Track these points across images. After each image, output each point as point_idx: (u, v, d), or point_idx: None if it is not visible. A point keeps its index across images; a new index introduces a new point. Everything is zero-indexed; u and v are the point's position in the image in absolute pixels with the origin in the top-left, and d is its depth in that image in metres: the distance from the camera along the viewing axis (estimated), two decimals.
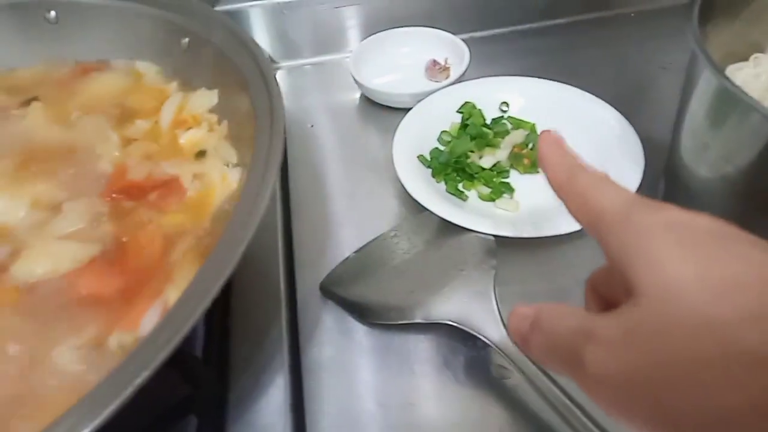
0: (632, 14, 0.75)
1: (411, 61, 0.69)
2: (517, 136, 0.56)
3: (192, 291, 0.30)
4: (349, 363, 0.44)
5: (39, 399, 0.31)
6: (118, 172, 0.44)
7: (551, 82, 0.60)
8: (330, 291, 0.48)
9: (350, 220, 0.55)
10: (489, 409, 0.41)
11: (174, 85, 0.51)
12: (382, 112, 0.66)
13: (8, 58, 0.55)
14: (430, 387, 0.43)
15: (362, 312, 0.47)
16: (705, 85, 0.43)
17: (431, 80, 0.67)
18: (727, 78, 0.38)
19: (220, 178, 0.42)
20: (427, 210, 0.50)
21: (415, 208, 0.53)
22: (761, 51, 0.48)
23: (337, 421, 0.41)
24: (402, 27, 0.70)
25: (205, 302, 0.28)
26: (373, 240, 0.51)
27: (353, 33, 0.73)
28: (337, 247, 0.52)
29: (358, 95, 0.68)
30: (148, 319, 0.34)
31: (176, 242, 0.38)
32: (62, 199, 0.41)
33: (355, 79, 0.66)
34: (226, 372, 0.42)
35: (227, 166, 0.43)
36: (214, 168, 0.43)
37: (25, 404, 0.31)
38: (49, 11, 0.54)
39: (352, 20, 0.72)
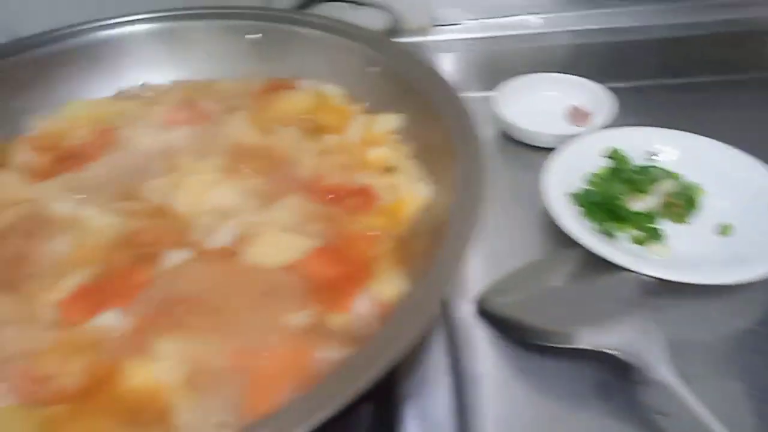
0: None
1: (552, 105, 0.73)
2: (668, 185, 0.58)
3: (410, 305, 0.33)
4: (505, 381, 0.47)
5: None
6: (316, 178, 0.49)
7: (698, 136, 0.62)
8: (485, 309, 0.51)
9: (494, 251, 0.57)
10: None
11: (358, 107, 0.57)
12: (520, 149, 0.69)
13: (212, 71, 0.63)
14: (586, 416, 0.44)
15: (519, 331, 0.49)
16: None
17: (573, 125, 0.70)
18: None
19: (410, 192, 0.46)
20: (578, 245, 0.53)
21: (559, 242, 0.55)
22: None
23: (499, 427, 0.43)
24: (547, 72, 0.75)
25: (425, 320, 0.32)
26: (524, 267, 0.54)
27: (499, 73, 0.78)
28: (484, 273, 0.55)
29: (493, 132, 0.72)
30: (358, 305, 0.38)
31: (376, 243, 0.43)
32: (273, 195, 0.47)
33: (498, 116, 0.70)
34: (390, 376, 0.45)
35: (417, 185, 0.47)
36: (404, 182, 0.48)
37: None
38: (253, 34, 0.61)
39: (500, 62, 0.77)
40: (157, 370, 0.36)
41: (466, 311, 0.52)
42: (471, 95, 0.78)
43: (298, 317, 0.38)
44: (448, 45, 0.78)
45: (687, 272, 0.49)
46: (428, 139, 0.49)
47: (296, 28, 0.61)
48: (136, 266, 0.43)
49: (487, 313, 0.51)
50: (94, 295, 0.41)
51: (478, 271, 0.55)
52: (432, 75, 0.52)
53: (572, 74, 0.74)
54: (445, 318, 0.51)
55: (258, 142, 0.54)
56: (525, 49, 0.76)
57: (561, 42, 0.77)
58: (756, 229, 0.53)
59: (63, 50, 0.60)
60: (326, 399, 0.29)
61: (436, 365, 0.46)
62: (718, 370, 0.47)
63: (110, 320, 0.40)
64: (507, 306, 0.51)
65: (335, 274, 0.40)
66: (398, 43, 0.58)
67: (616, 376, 0.46)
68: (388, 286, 0.40)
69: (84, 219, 0.48)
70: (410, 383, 0.44)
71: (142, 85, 0.62)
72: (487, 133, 0.73)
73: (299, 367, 0.35)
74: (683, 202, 0.57)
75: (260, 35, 0.62)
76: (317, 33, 0.60)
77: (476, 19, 0.79)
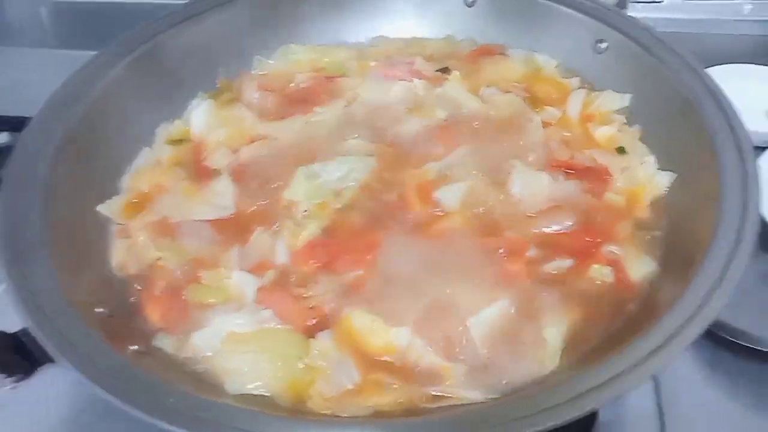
0: None
1: (751, 100, 0.69)
2: None
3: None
4: (697, 375, 0.47)
5: None
6: (548, 150, 0.50)
7: None
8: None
9: None
10: None
11: (575, 81, 0.57)
12: None
13: (422, 28, 0.64)
14: None
15: (729, 331, 0.49)
16: None
17: None
18: None
19: (650, 179, 0.47)
20: None
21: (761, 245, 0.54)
22: None
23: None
24: (745, 63, 0.71)
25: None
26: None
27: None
28: None
29: None
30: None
31: (619, 219, 0.44)
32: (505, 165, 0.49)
33: None
34: None
35: (654, 169, 0.48)
36: (638, 165, 0.48)
37: None
38: None
39: (699, 48, 0.74)
40: None
41: None
42: None
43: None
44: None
45: None
46: (664, 123, 0.49)
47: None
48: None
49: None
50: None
51: None
52: (677, 56, 0.50)
53: None
54: None
55: (478, 106, 0.55)
56: (728, 36, 0.72)
57: (763, 32, 0.73)
58: None
59: None
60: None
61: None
62: None
63: None
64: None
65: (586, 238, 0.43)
66: (634, 18, 0.56)
67: None
68: (635, 265, 0.42)
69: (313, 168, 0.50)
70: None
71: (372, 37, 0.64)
72: None
73: None
74: None
75: None
76: (544, 2, 0.59)
77: None
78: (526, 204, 0.46)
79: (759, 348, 0.47)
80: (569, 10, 0.58)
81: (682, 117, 0.47)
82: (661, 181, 0.47)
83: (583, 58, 0.57)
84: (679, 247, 0.42)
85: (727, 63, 0.72)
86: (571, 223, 0.45)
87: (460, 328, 0.40)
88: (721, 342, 0.49)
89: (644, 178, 0.47)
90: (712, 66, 0.72)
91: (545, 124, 0.53)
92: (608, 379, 0.32)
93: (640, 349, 0.33)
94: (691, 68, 0.49)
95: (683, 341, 0.33)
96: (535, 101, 0.56)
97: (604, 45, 0.56)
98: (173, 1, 0.60)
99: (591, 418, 0.43)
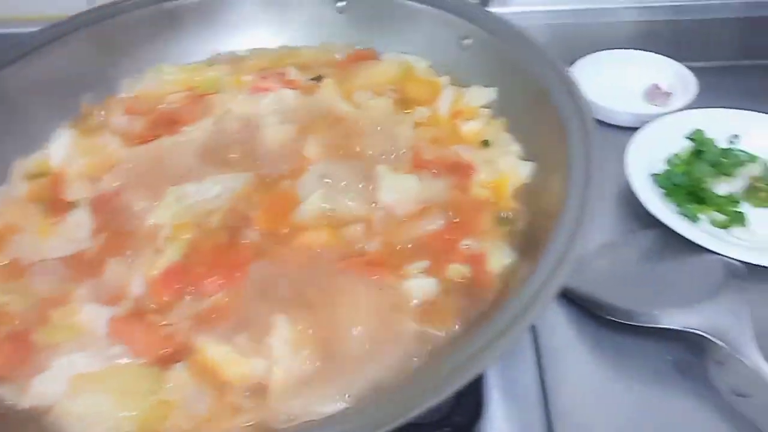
0: None
1: (631, 83, 0.72)
2: (754, 168, 0.58)
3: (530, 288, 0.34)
4: (585, 357, 0.48)
5: None
6: (414, 149, 0.50)
7: None
8: (565, 287, 0.52)
9: None
10: (719, 425, 0.43)
11: (445, 79, 0.57)
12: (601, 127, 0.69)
13: (295, 38, 0.63)
14: (665, 393, 0.45)
15: (599, 309, 0.50)
16: None
17: (652, 104, 0.69)
18: None
19: (511, 168, 0.47)
20: (657, 226, 0.53)
21: (637, 222, 0.56)
22: None
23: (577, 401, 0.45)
24: (623, 49, 0.73)
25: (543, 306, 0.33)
26: (603, 245, 0.55)
27: (575, 49, 0.77)
28: None
29: None
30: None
31: (482, 212, 0.44)
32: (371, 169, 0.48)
33: None
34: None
35: (516, 159, 0.48)
36: (501, 157, 0.48)
37: None
38: (339, 1, 0.61)
39: (575, 39, 0.76)
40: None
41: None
42: None
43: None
44: (518, 18, 0.76)
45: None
46: (526, 114, 0.50)
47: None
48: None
49: (566, 291, 0.52)
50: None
51: None
52: (534, 48, 0.51)
53: (651, 52, 0.73)
54: None
55: (349, 111, 0.54)
56: (602, 24, 0.75)
57: (641, 18, 0.75)
58: None
59: (156, 13, 0.60)
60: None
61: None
62: None
63: None
64: (587, 284, 0.52)
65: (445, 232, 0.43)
66: (495, 14, 0.57)
67: (694, 356, 0.46)
68: (494, 257, 0.41)
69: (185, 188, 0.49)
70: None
71: (231, 52, 0.63)
72: None
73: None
74: None
75: (345, 2, 0.62)
76: (407, 2, 0.60)
77: None
78: (397, 209, 0.46)
79: (637, 323, 0.48)
80: (435, 10, 0.58)
81: (539, 106, 0.48)
82: (522, 170, 0.47)
83: (451, 56, 0.57)
84: (537, 232, 0.42)
85: (607, 49, 0.74)
86: (442, 222, 0.44)
87: (324, 342, 0.38)
88: (602, 320, 0.49)
89: (506, 168, 0.47)
90: (595, 52, 0.74)
91: (417, 125, 0.53)
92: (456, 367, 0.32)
93: (486, 333, 0.33)
94: (546, 59, 0.49)
95: (528, 319, 0.33)
96: (407, 102, 0.55)
97: (468, 41, 0.56)
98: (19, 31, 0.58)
99: (476, 406, 0.43)
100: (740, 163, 0.59)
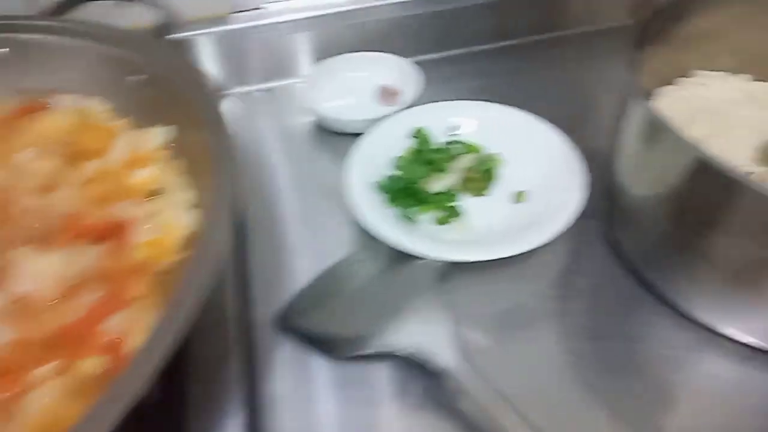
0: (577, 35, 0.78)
1: (363, 86, 0.71)
2: (466, 160, 0.59)
3: (150, 343, 0.30)
4: (307, 397, 0.45)
5: None
6: (74, 215, 0.43)
7: (498, 105, 0.62)
8: (285, 325, 0.49)
9: (306, 249, 0.56)
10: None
11: (125, 122, 0.51)
12: (335, 137, 0.67)
13: None
14: (389, 415, 0.44)
15: (319, 344, 0.47)
16: (634, 109, 0.46)
17: (384, 105, 0.68)
18: (649, 103, 0.41)
19: (174, 219, 0.42)
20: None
21: (369, 237, 0.54)
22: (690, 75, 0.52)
23: None
24: (354, 52, 0.72)
25: (162, 355, 0.29)
26: (328, 269, 0.52)
27: (305, 58, 0.74)
28: (292, 277, 0.53)
29: (310, 120, 0.69)
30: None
31: (136, 278, 0.39)
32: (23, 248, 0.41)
33: (306, 106, 0.67)
34: (181, 411, 0.42)
35: (183, 207, 0.43)
36: (168, 208, 0.43)
37: None
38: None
39: (303, 45, 0.73)
40: None
41: (267, 328, 0.49)
42: (275, 84, 0.75)
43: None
44: (248, 33, 0.72)
45: (479, 250, 0.50)
46: (194, 151, 0.45)
47: (48, 38, 0.54)
48: None
49: (288, 329, 0.49)
50: None
51: (286, 278, 0.53)
52: (194, 78, 0.47)
53: (382, 51, 0.72)
54: (243, 337, 0.48)
55: (5, 178, 0.46)
56: (332, 29, 0.73)
57: (368, 18, 0.74)
58: (548, 193, 0.55)
59: None
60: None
61: (230, 398, 0.43)
62: (514, 338, 0.48)
63: None
64: (310, 319, 0.49)
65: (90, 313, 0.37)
66: (163, 44, 0.52)
67: (413, 372, 0.45)
68: (138, 333, 0.36)
69: None
70: (199, 426, 0.41)
71: None
72: (300, 123, 0.69)
73: None
74: (481, 175, 0.57)
75: (7, 50, 0.54)
76: (71, 41, 0.53)
77: (278, 1, 0.74)
78: (41, 295, 0.39)
79: (354, 354, 0.46)
80: (100, 45, 0.52)
81: (202, 144, 0.43)
82: (186, 219, 0.42)
83: (130, 96, 0.52)
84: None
85: (335, 55, 0.72)
86: (91, 299, 0.39)
87: None
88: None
89: (171, 220, 0.43)
90: (320, 61, 0.72)
91: (86, 182, 0.46)
92: None
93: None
94: (203, 91, 0.45)
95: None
96: (77, 156, 0.49)
97: (140, 78, 0.50)
98: None
99: None
100: (455, 157, 0.59)
